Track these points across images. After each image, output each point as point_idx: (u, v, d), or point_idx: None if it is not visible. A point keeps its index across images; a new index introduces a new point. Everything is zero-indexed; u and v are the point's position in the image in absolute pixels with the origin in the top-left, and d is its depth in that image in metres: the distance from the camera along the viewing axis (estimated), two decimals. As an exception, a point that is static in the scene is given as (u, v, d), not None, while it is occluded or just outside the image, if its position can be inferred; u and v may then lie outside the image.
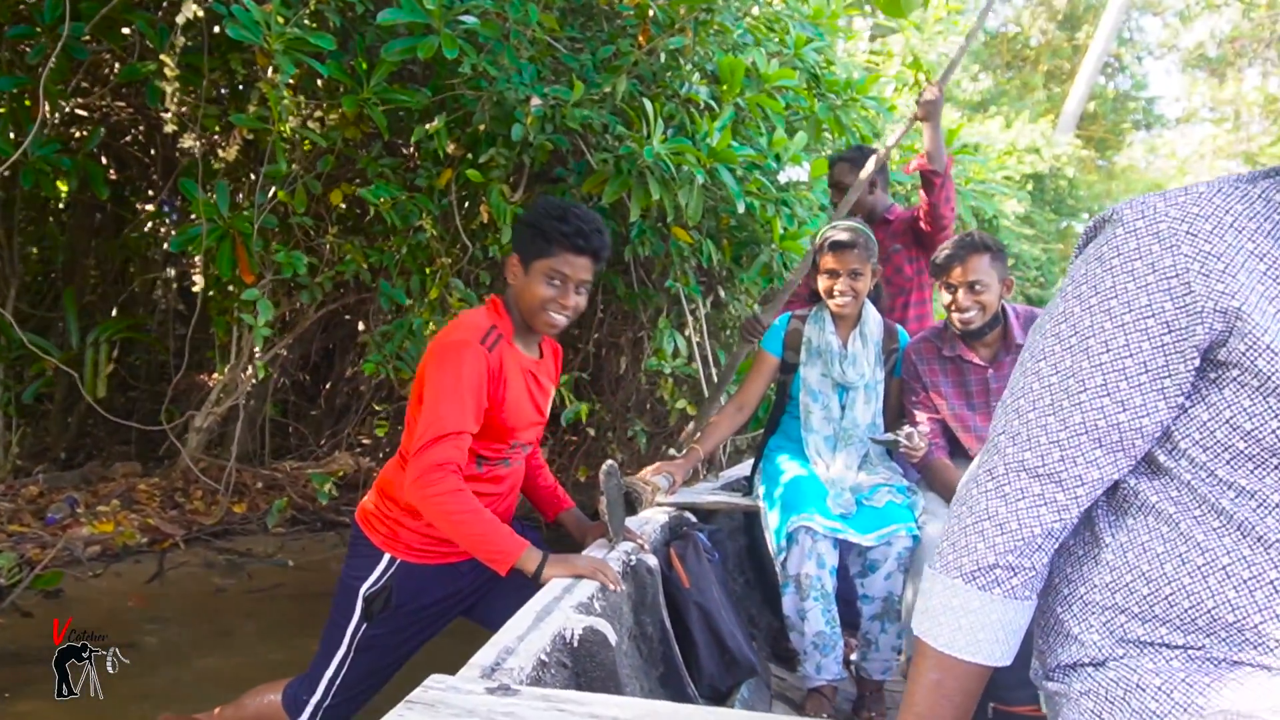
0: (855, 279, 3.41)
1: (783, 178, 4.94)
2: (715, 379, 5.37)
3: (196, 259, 4.72)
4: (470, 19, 4.19)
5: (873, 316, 3.58)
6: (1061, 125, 17.74)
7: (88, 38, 4.91)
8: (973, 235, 3.38)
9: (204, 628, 4.38)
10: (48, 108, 4.51)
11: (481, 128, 4.38)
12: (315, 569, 5.11)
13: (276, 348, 5.72)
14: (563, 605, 2.35)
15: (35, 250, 6.36)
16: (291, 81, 4.28)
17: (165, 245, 5.84)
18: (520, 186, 4.66)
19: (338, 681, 2.88)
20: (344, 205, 4.77)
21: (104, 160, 6.18)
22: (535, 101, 4.26)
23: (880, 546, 3.19)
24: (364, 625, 2.84)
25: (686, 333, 5.27)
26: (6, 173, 4.32)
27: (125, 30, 4.81)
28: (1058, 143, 15.66)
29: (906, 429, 3.31)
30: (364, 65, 4.29)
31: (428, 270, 4.76)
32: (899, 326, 3.71)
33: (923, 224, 4.14)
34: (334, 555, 5.27)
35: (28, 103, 5.02)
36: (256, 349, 5.24)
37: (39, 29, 4.45)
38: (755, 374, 3.69)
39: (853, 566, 3.29)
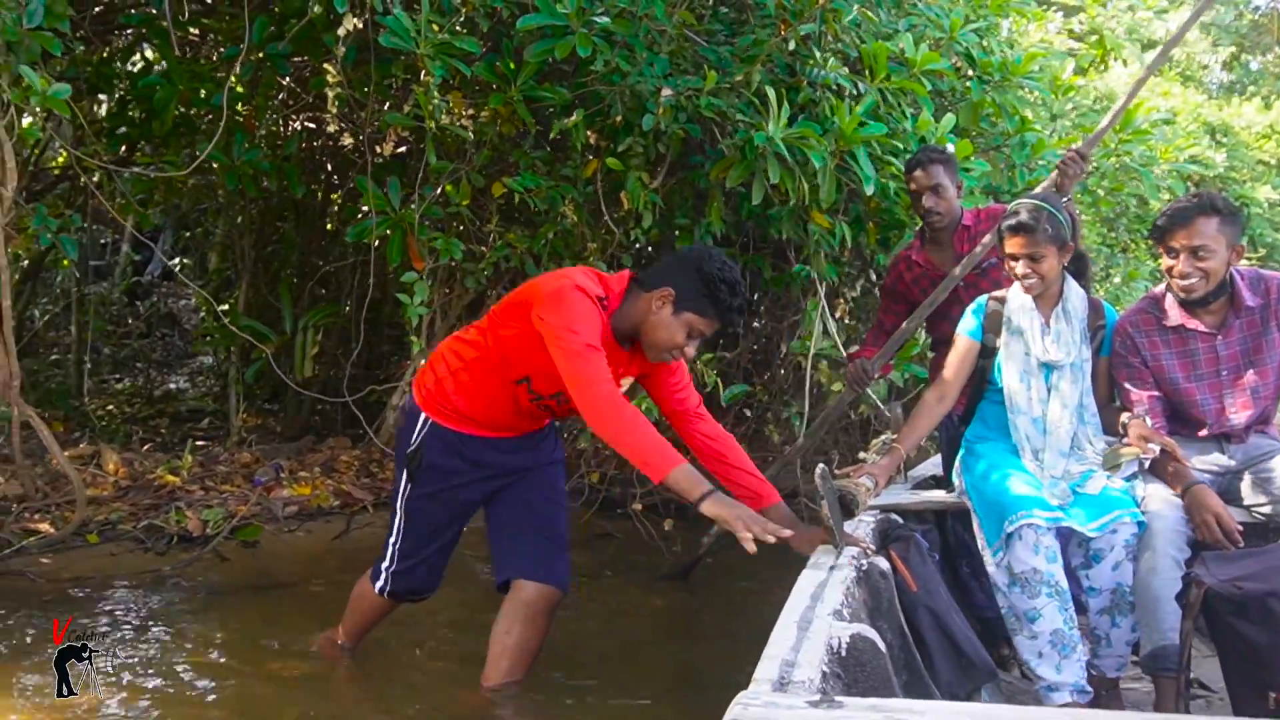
0: (1036, 262, 3.24)
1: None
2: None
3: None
4: (604, 19, 4.50)
5: (1075, 293, 3.41)
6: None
7: (299, 59, 5.56)
8: (1201, 196, 3.19)
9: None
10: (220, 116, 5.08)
11: (618, 119, 4.67)
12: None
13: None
14: (819, 613, 2.36)
15: (300, 254, 7.10)
16: (452, 81, 4.71)
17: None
18: (660, 174, 4.92)
19: (398, 547, 3.30)
20: (508, 197, 5.12)
21: (328, 165, 6.89)
22: (666, 92, 4.52)
23: (1105, 535, 3.08)
24: (409, 487, 3.23)
25: (838, 315, 5.38)
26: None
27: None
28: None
29: (1140, 448, 3.15)
30: (511, 65, 4.67)
31: (584, 256, 5.09)
32: (1105, 303, 3.56)
33: None
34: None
35: (243, 114, 5.74)
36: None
37: (260, 53, 5.07)
38: (955, 361, 3.51)
39: (1074, 558, 3.18)
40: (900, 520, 3.41)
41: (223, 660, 3.78)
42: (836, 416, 4.79)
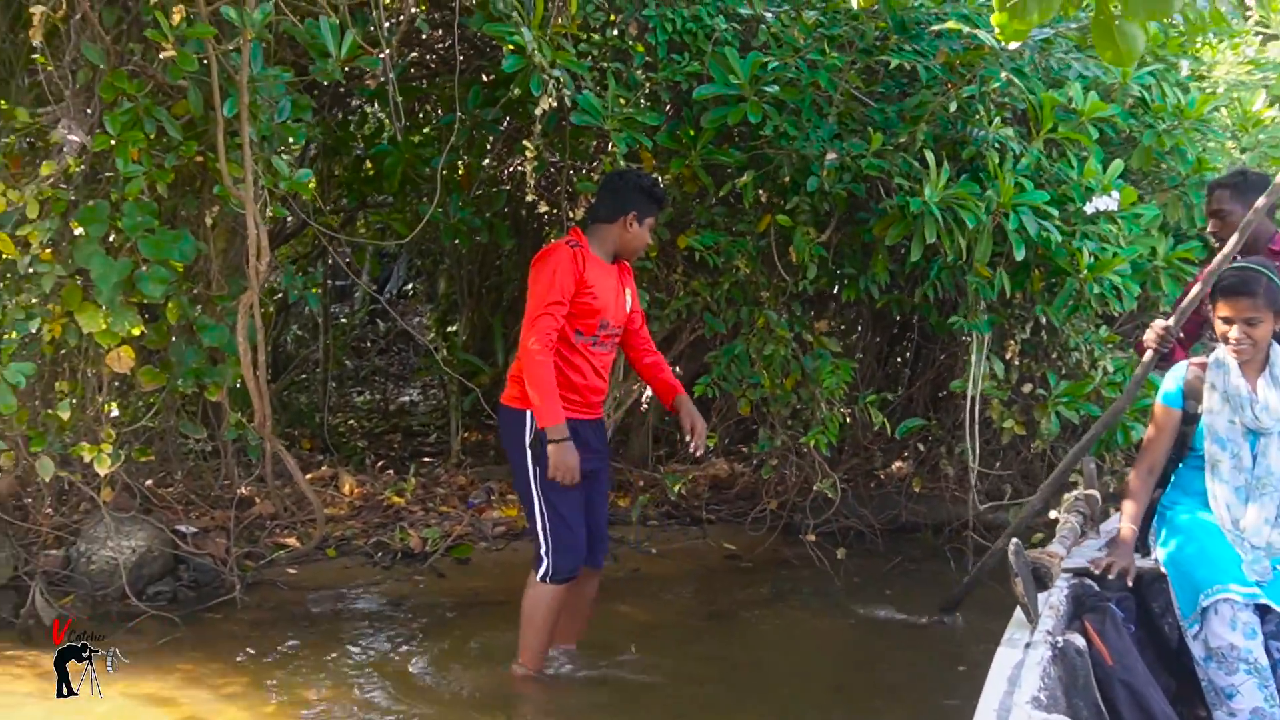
0: (1252, 326, 3.25)
1: (1090, 208, 5.07)
2: (1039, 397, 5.61)
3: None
4: (774, 87, 4.89)
5: None
6: None
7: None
8: None
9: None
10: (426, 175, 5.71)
11: (786, 179, 5.06)
12: (671, 556, 6.00)
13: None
14: (1018, 699, 2.38)
15: (516, 288, 7.74)
16: (637, 149, 5.18)
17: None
18: (829, 229, 5.27)
19: (549, 528, 3.94)
20: (691, 249, 5.55)
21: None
22: (830, 155, 4.87)
23: None
24: (539, 472, 3.87)
25: (1008, 356, 5.56)
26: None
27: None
28: None
29: None
30: (691, 132, 5.12)
31: (758, 303, 5.48)
32: None
33: None
34: (691, 547, 6.15)
35: (460, 173, 6.40)
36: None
37: (475, 112, 5.71)
38: (1158, 432, 3.55)
39: (1267, 627, 3.13)
40: (1096, 587, 3.36)
41: (431, 664, 4.46)
42: (1113, 420, 4.45)
